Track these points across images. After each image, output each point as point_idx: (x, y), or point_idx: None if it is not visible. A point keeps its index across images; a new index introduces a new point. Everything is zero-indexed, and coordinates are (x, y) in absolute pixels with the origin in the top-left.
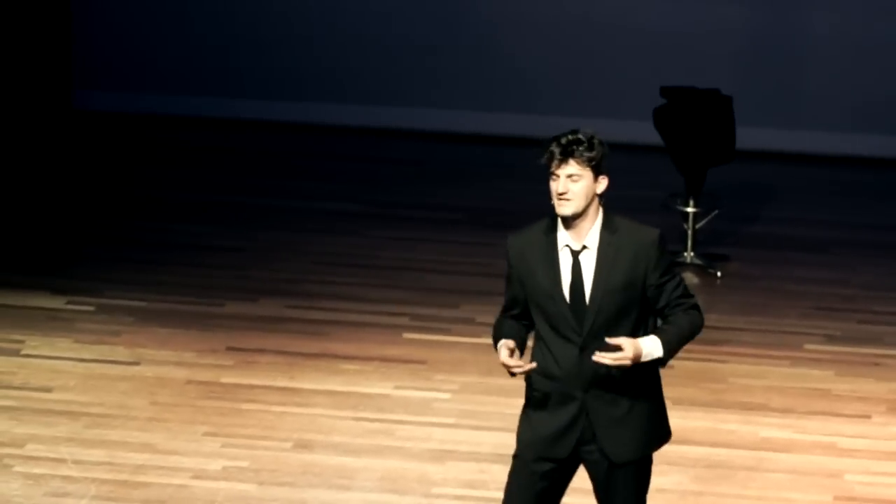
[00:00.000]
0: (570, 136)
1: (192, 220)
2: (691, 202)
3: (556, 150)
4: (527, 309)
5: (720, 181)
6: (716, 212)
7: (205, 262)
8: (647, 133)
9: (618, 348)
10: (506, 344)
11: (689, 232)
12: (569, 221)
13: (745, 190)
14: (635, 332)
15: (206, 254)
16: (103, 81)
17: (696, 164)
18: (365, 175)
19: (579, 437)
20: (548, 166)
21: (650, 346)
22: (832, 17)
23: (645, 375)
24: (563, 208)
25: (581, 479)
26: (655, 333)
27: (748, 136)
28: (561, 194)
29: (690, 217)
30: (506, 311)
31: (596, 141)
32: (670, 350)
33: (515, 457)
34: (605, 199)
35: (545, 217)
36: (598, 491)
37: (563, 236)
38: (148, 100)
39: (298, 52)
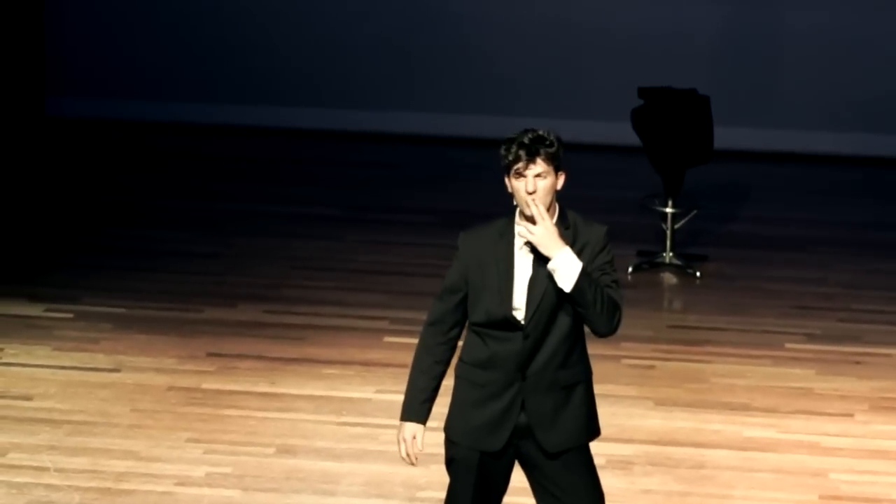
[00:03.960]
0: (531, 135)
1: (170, 226)
2: (670, 202)
3: (522, 151)
4: (460, 305)
5: (698, 181)
6: (694, 212)
7: (182, 268)
8: (624, 134)
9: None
10: (416, 430)
11: (668, 232)
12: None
13: (723, 190)
14: (577, 324)
15: (184, 260)
16: (76, 88)
17: (674, 165)
18: (342, 179)
19: (513, 430)
20: (510, 166)
21: (570, 256)
22: (808, 17)
23: (580, 364)
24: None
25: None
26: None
27: (726, 136)
28: (530, 193)
29: (669, 217)
30: (440, 325)
31: (555, 137)
32: (587, 275)
33: (454, 447)
34: (585, 200)
35: (501, 217)
36: (539, 489)
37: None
38: (122, 105)
39: (273, 56)
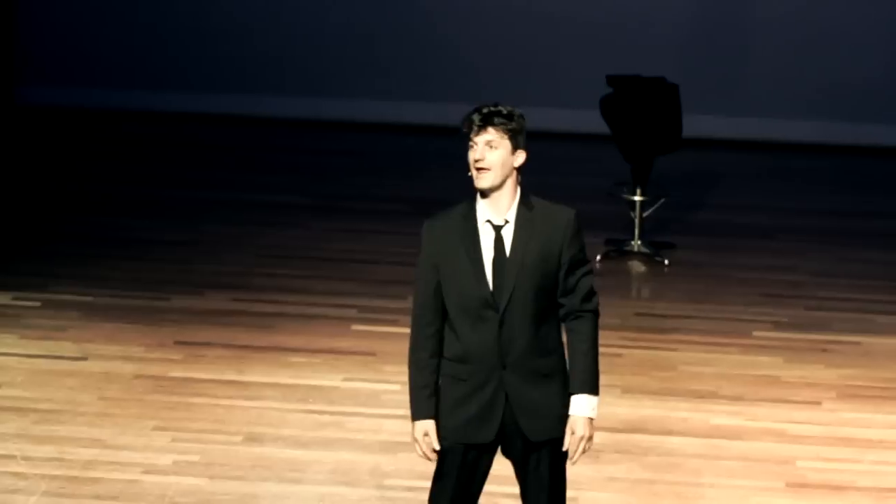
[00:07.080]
0: (490, 107)
1: (138, 214)
2: (638, 190)
3: (475, 117)
4: (436, 293)
5: (667, 169)
6: (663, 200)
7: (150, 256)
8: (593, 122)
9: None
10: (427, 427)
11: (637, 220)
12: (487, 194)
13: (691, 178)
14: (551, 309)
15: (152, 248)
16: (46, 76)
17: (643, 153)
18: (309, 167)
19: (502, 419)
20: (466, 135)
21: (585, 405)
22: (777, 5)
23: (556, 353)
24: (481, 181)
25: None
26: (575, 386)
27: (694, 124)
28: (477, 161)
29: (637, 205)
30: (422, 318)
31: (516, 113)
32: (595, 388)
33: (441, 444)
34: (553, 188)
35: (462, 202)
36: (519, 473)
37: (484, 212)
38: (91, 94)
39: (242, 45)
